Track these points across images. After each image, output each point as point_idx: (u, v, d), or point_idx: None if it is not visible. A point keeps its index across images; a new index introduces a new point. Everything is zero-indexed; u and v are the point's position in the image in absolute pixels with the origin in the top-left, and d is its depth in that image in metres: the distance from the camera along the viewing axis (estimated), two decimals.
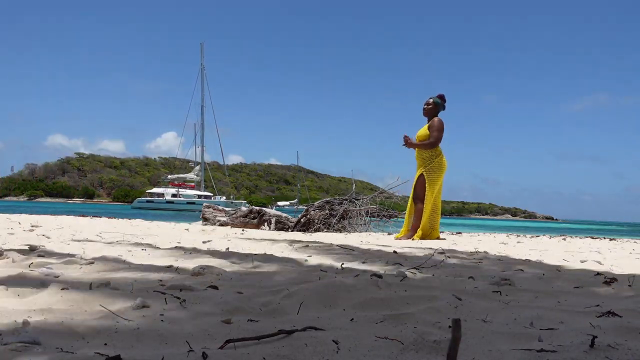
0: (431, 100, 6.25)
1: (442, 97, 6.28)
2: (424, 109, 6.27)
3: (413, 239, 5.96)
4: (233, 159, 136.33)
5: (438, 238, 6.18)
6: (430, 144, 6.11)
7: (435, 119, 6.17)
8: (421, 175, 6.18)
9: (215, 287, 1.96)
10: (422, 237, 6.05)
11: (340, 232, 7.81)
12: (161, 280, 2.09)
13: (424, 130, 6.20)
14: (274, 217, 8.06)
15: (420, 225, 6.11)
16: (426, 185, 6.14)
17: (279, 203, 56.32)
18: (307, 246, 4.25)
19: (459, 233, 8.83)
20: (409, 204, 6.37)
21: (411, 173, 6.50)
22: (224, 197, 58.08)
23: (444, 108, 6.29)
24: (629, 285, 2.28)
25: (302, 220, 8.14)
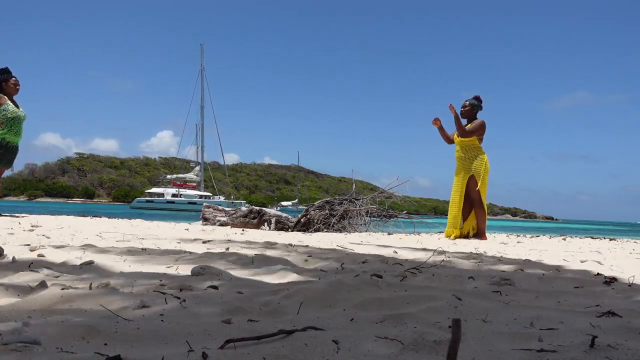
0: (467, 102, 6.53)
1: (477, 98, 6.56)
2: (461, 111, 6.53)
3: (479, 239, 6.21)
4: (228, 158, 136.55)
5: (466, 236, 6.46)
6: (465, 132, 6.35)
7: (478, 120, 6.45)
8: (472, 176, 6.39)
9: (215, 287, 1.96)
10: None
11: (341, 232, 7.81)
12: (161, 280, 2.09)
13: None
14: (274, 217, 8.05)
15: (483, 227, 6.42)
16: (480, 186, 6.36)
17: (283, 203, 56.30)
18: (307, 246, 4.25)
19: None
20: (458, 206, 6.47)
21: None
22: (223, 197, 58.12)
23: (481, 108, 6.56)
24: (629, 285, 2.28)
25: (302, 220, 8.14)
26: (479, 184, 6.33)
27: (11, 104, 6.59)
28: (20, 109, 6.70)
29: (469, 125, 6.44)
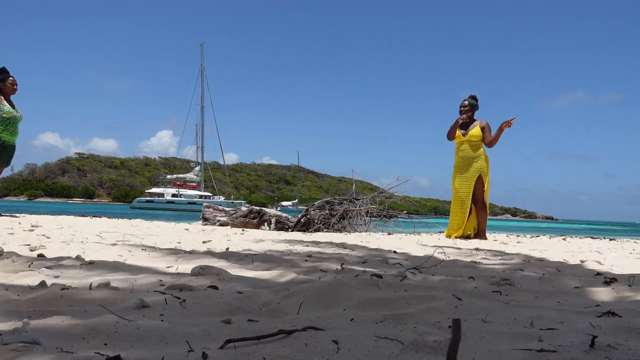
0: (467, 102, 6.61)
1: (474, 98, 6.64)
2: (460, 111, 6.61)
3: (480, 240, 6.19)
4: (228, 158, 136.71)
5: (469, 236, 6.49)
6: (493, 142, 6.45)
7: (484, 122, 6.54)
8: (479, 176, 6.45)
9: (215, 287, 1.96)
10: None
11: (340, 232, 7.81)
12: (161, 280, 2.09)
13: (477, 130, 6.51)
14: (274, 217, 8.05)
15: (484, 227, 6.48)
16: (485, 187, 6.42)
17: (283, 203, 56.31)
18: (307, 246, 4.25)
19: None
20: (461, 206, 6.48)
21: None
22: (223, 197, 58.15)
23: (478, 107, 6.65)
24: (629, 285, 2.28)
25: (302, 220, 8.14)
26: (485, 184, 6.37)
27: (7, 104, 6.60)
28: (17, 109, 6.71)
29: (477, 128, 6.48)
